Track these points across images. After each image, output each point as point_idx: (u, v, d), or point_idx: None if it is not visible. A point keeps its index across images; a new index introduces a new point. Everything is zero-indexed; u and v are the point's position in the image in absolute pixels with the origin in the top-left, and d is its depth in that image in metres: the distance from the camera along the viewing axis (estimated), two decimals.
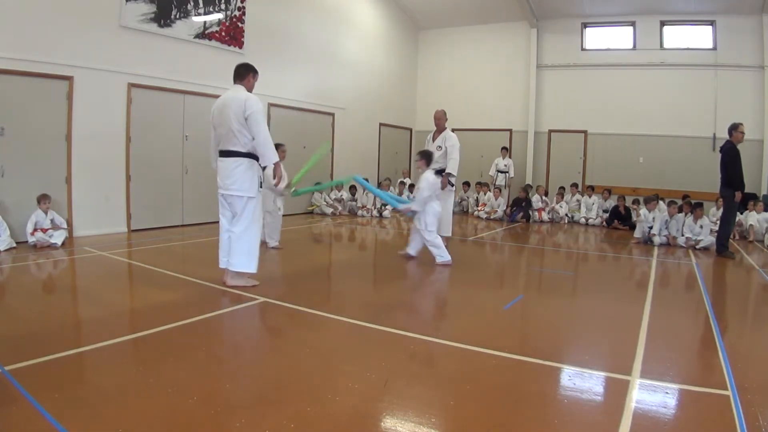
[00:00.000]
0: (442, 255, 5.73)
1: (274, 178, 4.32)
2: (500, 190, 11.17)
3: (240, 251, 4.30)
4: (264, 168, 4.55)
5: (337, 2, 11.31)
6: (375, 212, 10.65)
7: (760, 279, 5.76)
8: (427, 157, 5.95)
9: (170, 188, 8.01)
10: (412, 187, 10.64)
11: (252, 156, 4.29)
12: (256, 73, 4.45)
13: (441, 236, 6.05)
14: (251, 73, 4.41)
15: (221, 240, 4.43)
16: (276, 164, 4.22)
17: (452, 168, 6.37)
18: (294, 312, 3.88)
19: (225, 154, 4.31)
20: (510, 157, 12.27)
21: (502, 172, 11.95)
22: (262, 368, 2.80)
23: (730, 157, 6.78)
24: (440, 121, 6.73)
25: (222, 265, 4.44)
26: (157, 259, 5.55)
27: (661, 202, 8.46)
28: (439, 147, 6.56)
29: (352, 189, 11.18)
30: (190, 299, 4.06)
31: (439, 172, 6.30)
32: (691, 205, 8.13)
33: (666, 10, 11.28)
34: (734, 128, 6.90)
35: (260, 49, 9.21)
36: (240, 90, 4.29)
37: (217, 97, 8.56)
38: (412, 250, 6.00)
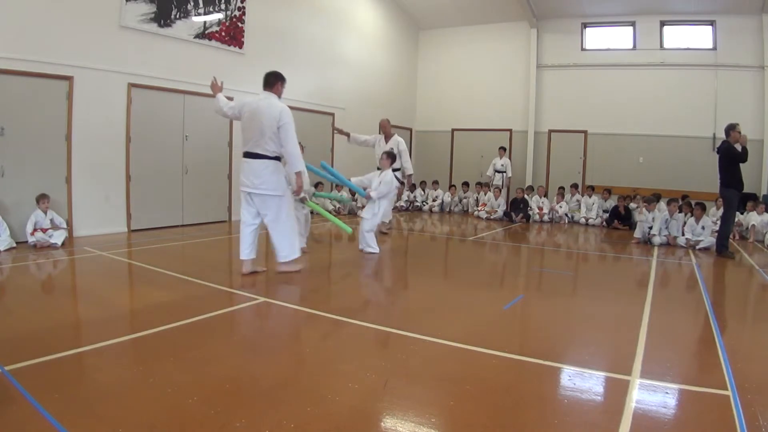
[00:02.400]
0: (372, 246, 6.29)
1: (295, 185, 4.77)
2: (500, 190, 11.17)
3: (285, 243, 4.80)
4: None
5: (337, 2, 11.31)
6: None
7: (760, 279, 5.76)
8: (393, 158, 6.76)
9: (170, 188, 8.01)
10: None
11: (278, 158, 4.71)
12: (284, 80, 4.85)
13: (383, 221, 7.14)
14: (280, 81, 4.79)
15: (243, 234, 4.83)
16: (298, 173, 4.66)
17: (409, 169, 7.67)
18: (294, 312, 3.88)
19: (253, 156, 4.66)
20: (509, 157, 12.28)
21: (499, 171, 11.96)
22: (262, 368, 2.80)
23: (730, 158, 6.77)
24: (387, 128, 7.81)
25: (242, 256, 4.83)
26: (157, 259, 5.55)
27: (661, 202, 8.46)
28: (392, 149, 7.47)
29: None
30: (190, 299, 4.06)
31: (396, 171, 7.14)
32: (691, 206, 8.13)
33: (666, 10, 11.28)
34: (731, 128, 6.89)
35: (260, 49, 9.21)
36: (272, 98, 4.70)
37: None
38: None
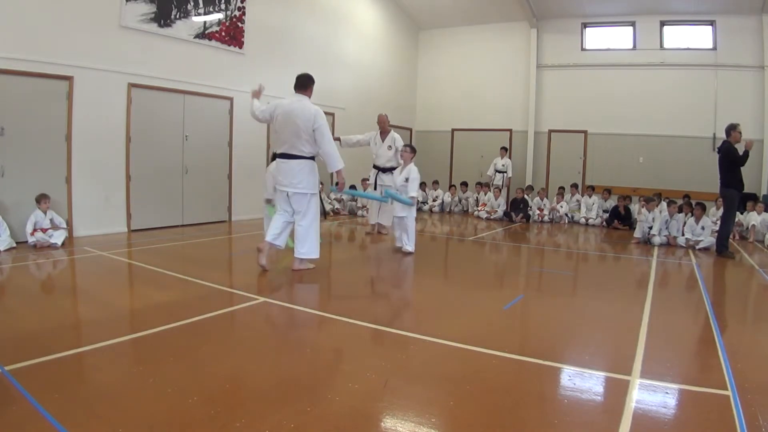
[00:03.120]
0: (411, 245, 6.23)
1: (337, 182, 5.01)
2: (500, 190, 11.17)
3: (309, 241, 4.97)
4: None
5: (337, 2, 11.31)
6: None
7: (760, 279, 5.76)
8: (415, 151, 6.61)
9: (170, 188, 8.01)
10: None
11: (313, 158, 4.91)
12: (314, 82, 5.02)
13: (383, 224, 7.24)
14: (311, 84, 4.99)
15: (275, 221, 5.01)
16: (339, 171, 4.90)
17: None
18: (294, 312, 3.89)
19: (290, 157, 4.85)
20: (510, 157, 12.27)
21: (500, 171, 11.96)
22: (262, 368, 2.80)
23: (731, 158, 6.76)
24: (384, 124, 7.57)
25: (268, 238, 4.97)
26: (157, 259, 5.55)
27: (662, 202, 8.46)
28: (390, 147, 7.38)
29: (352, 189, 11.16)
30: (190, 299, 4.06)
31: (393, 169, 7.10)
32: (692, 206, 8.13)
33: (666, 10, 11.28)
34: (732, 128, 6.89)
35: (260, 49, 9.22)
36: (305, 100, 4.86)
37: (217, 96, 8.53)
38: (399, 242, 6.46)
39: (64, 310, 3.79)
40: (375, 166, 7.53)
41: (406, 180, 6.29)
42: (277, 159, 4.98)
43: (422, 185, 12.65)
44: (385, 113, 7.72)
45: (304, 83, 4.92)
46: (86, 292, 4.45)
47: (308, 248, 4.99)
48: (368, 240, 7.62)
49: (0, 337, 3.04)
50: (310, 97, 4.93)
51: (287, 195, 4.93)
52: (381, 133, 7.54)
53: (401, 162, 6.68)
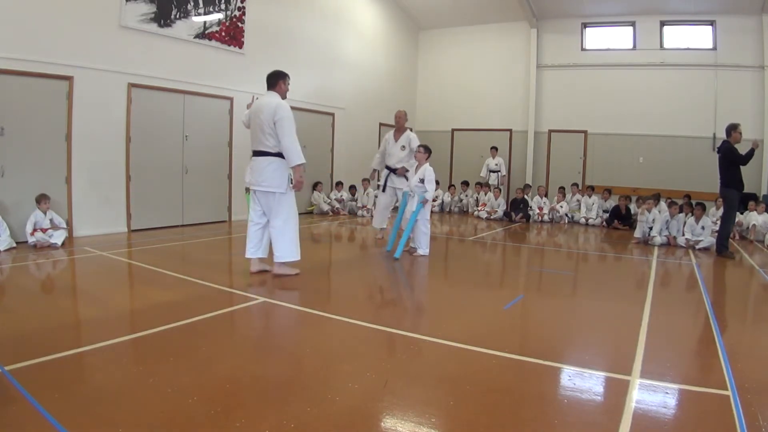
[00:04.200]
0: (425, 248, 6.10)
1: (294, 178, 4.72)
2: (500, 190, 11.17)
3: (283, 243, 4.74)
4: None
5: (337, 2, 11.31)
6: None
7: (760, 279, 5.76)
8: (430, 151, 6.24)
9: (170, 188, 8.01)
10: None
11: (281, 155, 4.67)
12: (286, 77, 4.84)
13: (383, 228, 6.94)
14: (281, 80, 4.79)
15: (249, 232, 4.87)
16: (296, 167, 4.61)
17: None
18: (294, 312, 3.89)
19: (257, 153, 4.72)
20: (509, 155, 12.27)
21: (493, 171, 11.97)
22: (261, 368, 2.80)
23: (730, 158, 6.76)
24: (401, 120, 6.96)
25: (248, 255, 4.88)
26: (157, 259, 5.55)
27: (662, 203, 8.45)
28: (403, 147, 6.78)
29: (352, 189, 11.18)
30: (190, 299, 4.06)
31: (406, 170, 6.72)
32: (692, 206, 8.12)
33: (666, 10, 11.28)
34: (733, 128, 6.87)
35: (260, 49, 9.22)
36: (274, 96, 4.71)
37: (217, 96, 8.61)
38: (412, 243, 6.27)
39: (64, 310, 3.79)
40: (387, 167, 6.99)
41: (421, 181, 6.03)
42: (251, 156, 4.86)
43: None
44: (404, 110, 7.16)
45: (272, 82, 4.79)
46: (86, 292, 4.45)
47: (284, 250, 4.74)
48: (368, 240, 7.62)
49: (0, 337, 3.04)
50: (283, 94, 4.79)
51: (255, 194, 4.81)
52: (396, 131, 6.99)
53: (415, 162, 6.35)
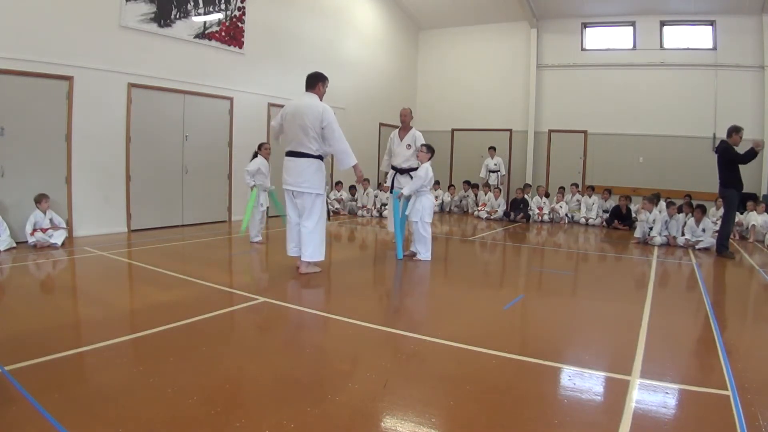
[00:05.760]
0: (424, 254, 5.87)
1: (357, 174, 5.02)
2: (500, 190, 11.17)
3: (312, 243, 4.86)
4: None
5: (337, 2, 11.32)
6: (375, 212, 10.66)
7: (760, 279, 5.76)
8: (432, 151, 6.07)
9: (170, 188, 8.01)
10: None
11: (321, 158, 4.79)
12: (326, 80, 4.92)
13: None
14: (320, 82, 4.87)
15: (290, 231, 4.99)
16: (355, 166, 4.82)
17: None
18: (294, 312, 3.88)
19: (297, 155, 4.76)
20: (509, 155, 12.26)
21: (493, 171, 11.95)
22: (262, 368, 2.80)
23: (728, 157, 6.75)
24: (407, 118, 6.83)
25: (291, 253, 5.01)
26: (157, 259, 5.55)
27: (661, 203, 8.45)
28: (409, 145, 6.67)
29: (352, 189, 11.18)
30: (190, 299, 4.06)
31: (412, 170, 6.49)
32: (692, 206, 8.12)
33: (666, 10, 11.28)
34: (735, 131, 6.85)
35: (260, 49, 9.22)
36: (314, 98, 4.77)
37: (217, 97, 8.57)
38: (412, 247, 6.08)
39: (64, 310, 3.79)
40: (393, 167, 6.90)
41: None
42: (285, 157, 4.89)
43: None
44: (409, 107, 7.04)
45: (312, 83, 4.86)
46: (86, 292, 4.45)
47: (312, 250, 4.89)
48: (368, 240, 7.62)
49: (0, 337, 3.04)
50: (321, 96, 4.86)
51: (292, 194, 4.87)
52: (402, 129, 6.86)
53: (420, 162, 6.17)
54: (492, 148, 12.20)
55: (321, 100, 4.83)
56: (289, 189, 4.84)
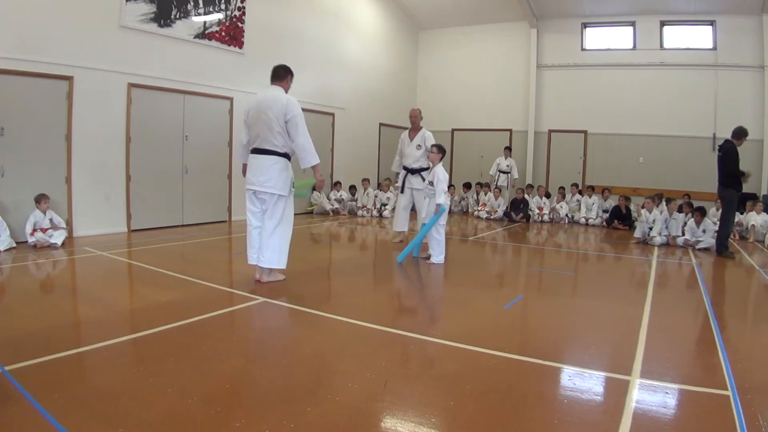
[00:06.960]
0: (440, 256, 5.76)
1: (317, 178, 4.54)
2: (500, 191, 11.12)
3: (272, 248, 4.42)
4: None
5: (337, 2, 11.32)
6: (375, 212, 10.66)
7: (760, 279, 5.76)
8: (443, 151, 5.89)
9: (170, 188, 8.01)
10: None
11: (287, 156, 4.43)
12: (293, 75, 4.60)
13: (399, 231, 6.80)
14: (290, 75, 4.56)
15: (250, 237, 4.53)
16: (315, 167, 4.42)
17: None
18: (294, 312, 3.88)
19: (261, 152, 4.39)
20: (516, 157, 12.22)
21: (504, 172, 11.85)
22: (262, 368, 2.80)
23: (731, 158, 6.76)
24: (416, 119, 6.85)
25: (251, 261, 4.55)
26: (157, 259, 5.55)
27: (663, 203, 8.44)
28: (419, 146, 6.67)
29: (352, 189, 11.18)
30: (190, 299, 4.06)
31: (423, 170, 6.55)
32: (692, 206, 8.11)
33: (666, 10, 11.29)
34: (744, 135, 6.87)
35: (260, 49, 9.22)
36: (279, 91, 4.42)
37: (217, 97, 8.55)
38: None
39: (64, 310, 3.79)
40: (404, 167, 6.82)
41: (431, 184, 5.69)
42: (249, 155, 4.49)
43: None
44: (418, 108, 6.99)
45: (280, 74, 4.48)
46: (86, 292, 4.45)
47: (270, 255, 4.40)
48: (368, 240, 7.62)
49: (0, 337, 3.04)
50: (287, 89, 4.48)
51: (254, 195, 4.43)
52: (411, 130, 6.84)
53: (431, 163, 6.03)
54: (507, 149, 11.86)
55: (287, 93, 4.47)
56: (251, 189, 4.41)
